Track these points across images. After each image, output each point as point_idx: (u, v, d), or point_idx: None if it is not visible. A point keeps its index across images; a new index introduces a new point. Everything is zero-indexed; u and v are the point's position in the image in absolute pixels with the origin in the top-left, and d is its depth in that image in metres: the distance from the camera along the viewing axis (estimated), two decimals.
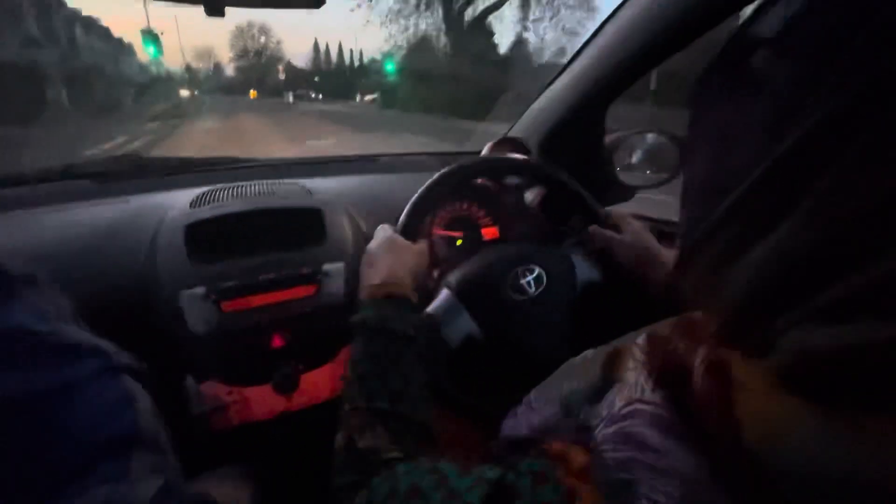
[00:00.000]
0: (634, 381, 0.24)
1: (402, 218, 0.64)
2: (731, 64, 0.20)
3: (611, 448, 0.22)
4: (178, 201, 0.77)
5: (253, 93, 45.95)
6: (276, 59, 66.73)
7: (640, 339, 0.26)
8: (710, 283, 0.20)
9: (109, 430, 0.28)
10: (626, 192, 1.03)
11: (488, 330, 0.59)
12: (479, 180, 0.87)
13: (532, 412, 0.37)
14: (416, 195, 0.65)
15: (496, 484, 0.24)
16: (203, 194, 0.78)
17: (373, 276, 0.52)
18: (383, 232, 0.60)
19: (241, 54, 68.56)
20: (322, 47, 69.85)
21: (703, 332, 0.22)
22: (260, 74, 62.67)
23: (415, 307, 0.50)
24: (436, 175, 0.66)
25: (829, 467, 0.15)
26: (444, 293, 0.61)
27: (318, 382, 0.69)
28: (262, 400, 0.67)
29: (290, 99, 42.11)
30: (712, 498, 0.18)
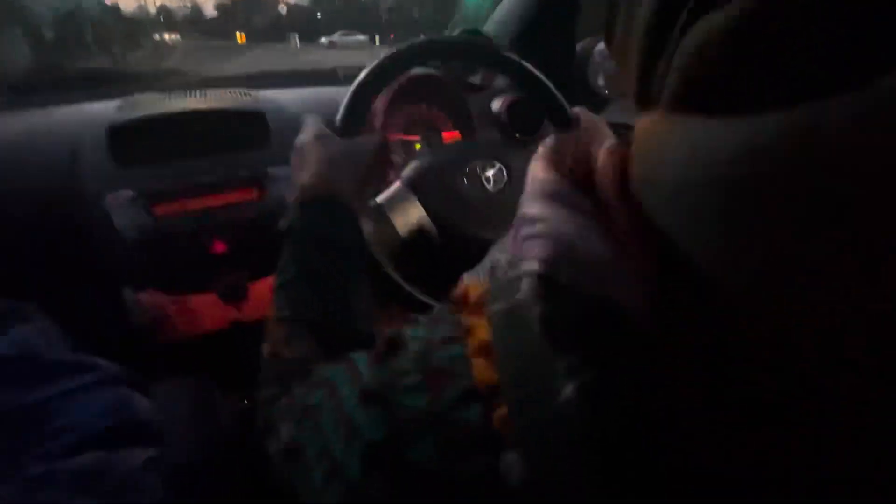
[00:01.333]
0: (537, 172, 0.20)
1: (340, 112, 0.53)
2: None
3: (510, 248, 0.19)
4: (100, 108, 0.70)
5: (241, 36, 34.45)
6: None
7: (548, 139, 0.22)
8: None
9: (104, 425, 0.34)
10: (600, 102, 0.98)
11: (440, 222, 0.55)
12: (440, 78, 0.80)
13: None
14: (353, 84, 0.54)
15: (383, 349, 0.21)
16: (130, 99, 0.71)
17: (301, 176, 0.46)
18: (312, 124, 0.50)
19: None
20: None
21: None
22: (245, 13, 50.74)
23: (349, 210, 0.44)
24: (374, 62, 0.56)
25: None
26: (396, 184, 0.56)
27: (269, 292, 0.66)
28: (209, 310, 0.63)
29: (297, 42, 26.28)
30: (589, 255, 0.15)
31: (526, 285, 0.16)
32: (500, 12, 0.92)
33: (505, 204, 0.58)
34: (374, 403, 0.20)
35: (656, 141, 0.14)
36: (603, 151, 0.18)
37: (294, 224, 0.42)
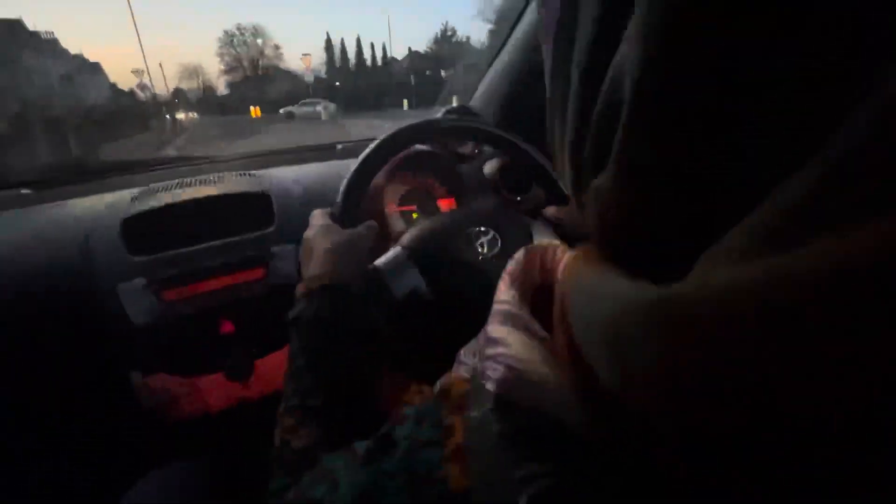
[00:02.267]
0: (501, 291, 0.23)
1: (338, 200, 0.59)
2: None
3: (479, 359, 0.21)
4: (115, 200, 0.75)
5: (255, 111, 34.26)
6: (274, 67, 52.81)
7: (518, 253, 0.25)
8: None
9: None
10: None
11: (436, 285, 0.57)
12: (433, 151, 0.85)
13: (459, 366, 0.36)
14: (349, 174, 0.60)
15: (375, 448, 0.22)
16: (144, 190, 0.75)
17: (308, 268, 0.49)
18: (318, 218, 0.56)
19: (234, 65, 53.27)
20: (336, 44, 55.18)
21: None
22: (258, 87, 49.19)
23: (354, 298, 0.47)
24: (368, 149, 0.62)
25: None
26: (394, 248, 0.59)
27: (275, 367, 0.67)
28: (217, 389, 0.64)
29: (322, 111, 24.36)
30: (535, 387, 0.17)
31: (487, 402, 0.18)
32: (483, 88, 1.00)
33: (498, 268, 0.60)
34: (365, 499, 0.21)
35: (574, 279, 0.17)
36: (560, 279, 0.20)
37: (301, 314, 0.44)
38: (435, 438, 0.20)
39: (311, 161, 1.03)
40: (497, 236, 0.63)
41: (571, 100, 0.17)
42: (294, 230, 0.71)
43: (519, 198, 0.88)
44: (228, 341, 0.65)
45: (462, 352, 0.38)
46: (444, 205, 0.86)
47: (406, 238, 0.60)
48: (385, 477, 0.21)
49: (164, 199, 0.71)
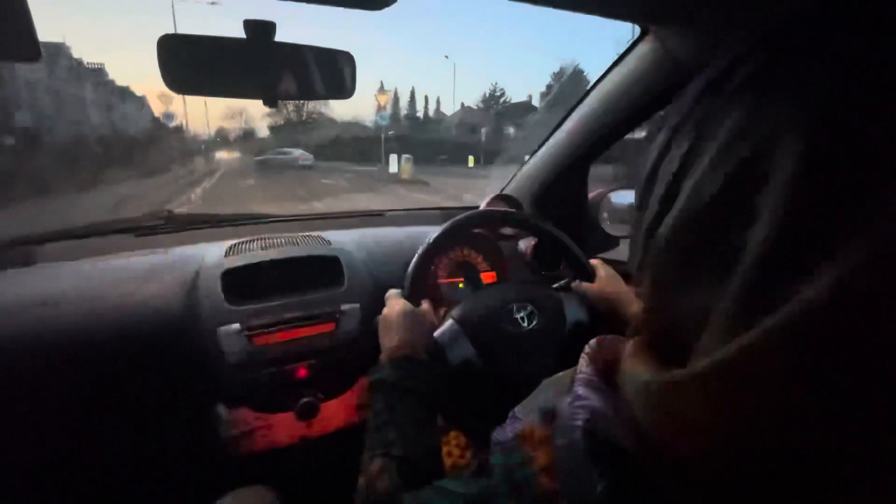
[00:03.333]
0: (582, 365, 0.34)
1: (406, 282, 0.73)
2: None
3: (567, 408, 0.31)
4: (210, 251, 0.89)
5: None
6: (319, 113, 48.72)
7: (593, 341, 0.36)
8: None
9: None
10: (612, 241, 1.15)
11: (485, 356, 0.67)
12: (477, 231, 0.99)
13: (516, 421, 0.45)
14: (413, 262, 0.74)
15: (476, 472, 0.33)
16: (235, 245, 0.90)
17: (389, 341, 0.61)
18: (394, 298, 0.69)
19: (276, 110, 51.51)
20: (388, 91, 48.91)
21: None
22: (299, 132, 45.25)
23: (423, 365, 0.58)
24: (427, 240, 0.76)
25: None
26: (449, 322, 0.70)
27: (336, 410, 0.77)
28: (285, 426, 0.74)
29: (299, 158, 22.82)
30: (607, 423, 0.28)
31: (577, 433, 0.29)
32: (521, 177, 1.15)
33: (536, 339, 0.71)
34: (476, 502, 0.31)
35: (628, 366, 0.28)
36: (625, 353, 0.31)
37: (385, 378, 0.54)
38: (525, 462, 0.31)
39: (363, 226, 1.18)
40: (534, 311, 0.73)
41: (641, 236, 0.28)
42: (358, 291, 0.84)
43: (546, 272, 1.00)
44: (301, 385, 0.75)
45: (516, 409, 0.49)
46: (486, 277, 0.98)
47: (457, 312, 0.72)
48: (491, 487, 0.31)
49: (254, 255, 0.85)
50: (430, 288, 0.93)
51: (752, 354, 0.18)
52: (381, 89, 47.81)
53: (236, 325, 0.73)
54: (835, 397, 0.17)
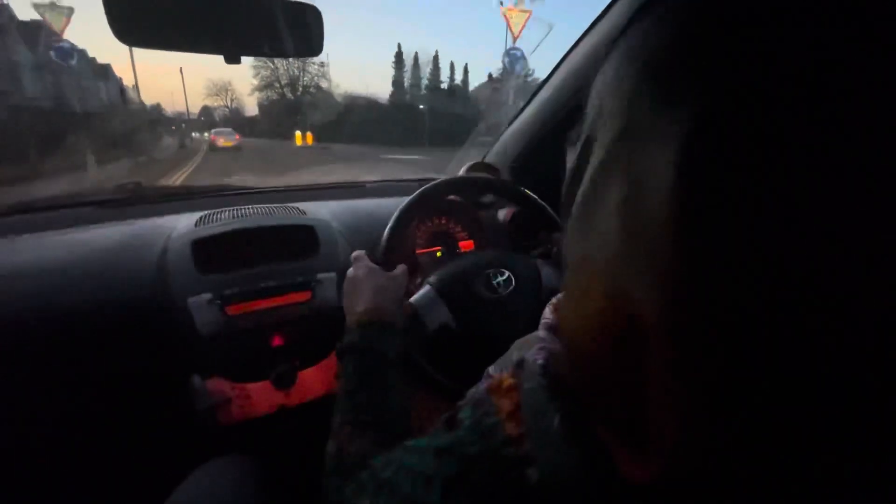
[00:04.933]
0: (546, 313, 0.34)
1: (381, 245, 0.71)
2: None
3: (530, 354, 0.32)
4: (182, 223, 0.86)
5: (308, 137, 23.82)
6: (316, 86, 40.06)
7: (559, 294, 0.36)
8: None
9: None
10: None
11: (461, 320, 0.67)
12: (455, 199, 0.98)
13: (489, 378, 0.46)
14: (388, 227, 0.72)
15: (446, 424, 0.33)
16: (206, 215, 0.87)
17: (356, 304, 0.59)
18: (360, 260, 0.65)
19: (270, 81, 40.08)
20: (408, 57, 38.71)
21: None
22: (291, 109, 37.60)
23: (396, 331, 0.57)
24: (401, 204, 0.74)
25: None
26: (426, 287, 0.70)
27: (314, 378, 0.77)
28: (263, 395, 0.74)
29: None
30: (558, 361, 0.29)
31: (538, 370, 0.29)
32: (500, 145, 1.14)
33: (513, 304, 0.72)
34: (448, 454, 0.32)
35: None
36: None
37: (353, 343, 0.54)
38: (491, 411, 0.31)
39: (344, 197, 1.16)
40: (511, 277, 0.74)
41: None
42: (334, 260, 0.83)
43: (527, 242, 1.00)
44: (277, 353, 0.75)
45: (490, 368, 0.49)
46: (464, 246, 0.98)
47: (434, 277, 0.72)
48: (460, 436, 0.31)
49: (226, 225, 0.82)
50: (408, 258, 0.92)
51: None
52: (399, 55, 37.60)
53: (207, 295, 0.72)
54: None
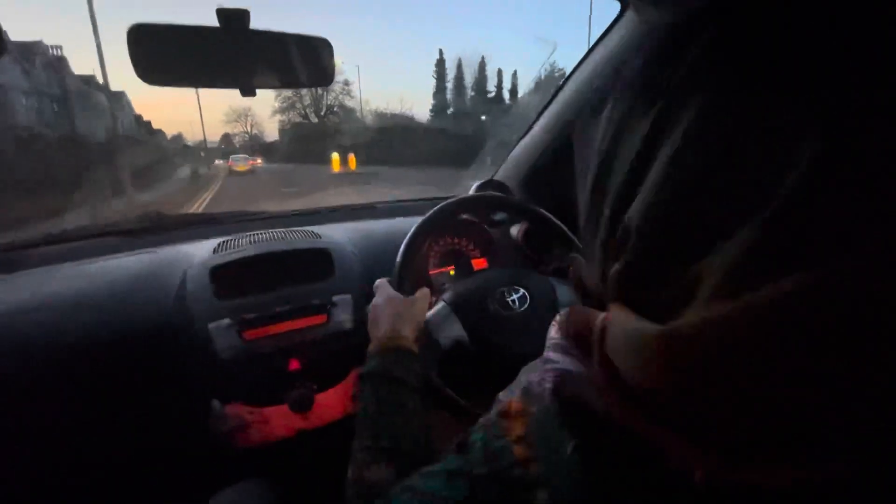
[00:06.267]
0: (552, 332, 0.34)
1: (394, 272, 0.71)
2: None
3: (537, 375, 0.32)
4: (200, 250, 0.88)
5: (350, 160, 19.46)
6: (340, 105, 36.18)
7: (563, 311, 0.36)
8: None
9: None
10: None
11: (475, 337, 0.67)
12: (467, 218, 0.99)
13: (499, 403, 0.46)
14: (401, 251, 0.72)
15: (458, 447, 0.33)
16: (224, 242, 0.89)
17: (378, 331, 0.60)
18: (383, 289, 0.67)
19: (292, 101, 35.95)
20: (450, 64, 33.93)
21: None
22: (312, 133, 33.25)
23: (415, 357, 0.58)
24: (413, 227, 0.75)
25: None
26: (440, 304, 0.70)
27: (332, 401, 0.77)
28: (281, 419, 0.74)
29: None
30: (576, 383, 0.28)
31: (547, 395, 0.29)
32: (509, 162, 1.14)
33: (527, 321, 0.71)
34: (458, 477, 0.31)
35: (613, 320, 0.27)
36: (597, 324, 0.31)
37: (373, 369, 0.54)
38: (501, 435, 0.31)
39: (356, 219, 1.18)
40: (526, 294, 0.73)
41: (602, 229, 0.28)
42: (349, 282, 0.84)
43: (541, 258, 0.99)
44: (294, 377, 0.75)
45: (500, 394, 0.49)
46: (477, 264, 0.98)
47: (449, 294, 0.72)
48: (471, 459, 0.31)
49: (243, 251, 0.84)
50: (422, 278, 0.93)
51: (731, 321, 0.18)
52: (440, 63, 32.55)
53: (227, 321, 0.73)
54: (802, 376, 0.17)
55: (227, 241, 0.90)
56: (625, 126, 0.26)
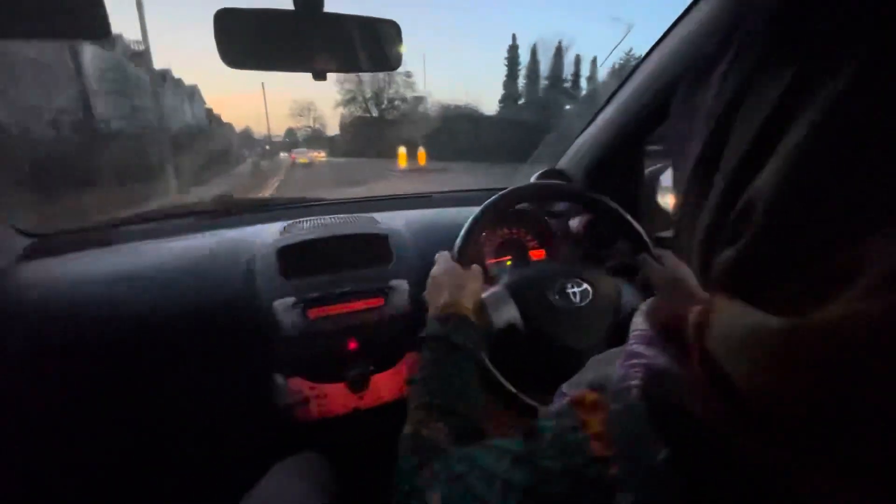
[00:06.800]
0: (638, 323, 0.31)
1: (457, 243, 0.72)
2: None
3: (620, 369, 0.29)
4: (268, 231, 0.93)
5: (419, 155, 17.06)
6: (401, 98, 34.64)
7: (648, 301, 0.33)
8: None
9: None
10: (666, 220, 1.08)
11: (530, 324, 0.65)
12: (526, 207, 0.96)
13: (563, 397, 0.43)
14: (467, 223, 0.74)
15: (526, 434, 0.32)
16: (290, 224, 0.93)
17: (437, 298, 0.62)
18: (443, 259, 0.70)
19: (354, 94, 34.57)
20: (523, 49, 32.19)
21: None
22: (373, 125, 32.46)
23: (472, 324, 0.59)
24: (484, 204, 0.75)
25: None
26: (497, 286, 0.69)
27: (386, 383, 0.79)
28: (338, 396, 0.77)
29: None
30: (669, 382, 0.25)
31: (633, 394, 0.27)
32: (573, 151, 1.10)
33: (587, 317, 0.68)
34: (525, 464, 0.30)
35: (725, 314, 0.23)
36: (692, 315, 0.26)
37: (432, 333, 0.56)
38: (576, 426, 0.29)
39: (413, 207, 1.19)
40: (589, 289, 0.70)
41: (711, 207, 0.24)
42: (406, 268, 0.85)
43: (602, 253, 0.95)
44: (352, 357, 0.77)
45: (563, 386, 0.47)
46: (535, 255, 0.95)
47: (509, 279, 0.71)
48: (541, 448, 0.30)
49: (307, 233, 0.87)
50: (479, 264, 0.92)
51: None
52: (513, 49, 29.55)
53: (291, 299, 0.76)
54: None
55: (293, 224, 0.94)
56: (749, 86, 0.22)
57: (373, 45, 0.62)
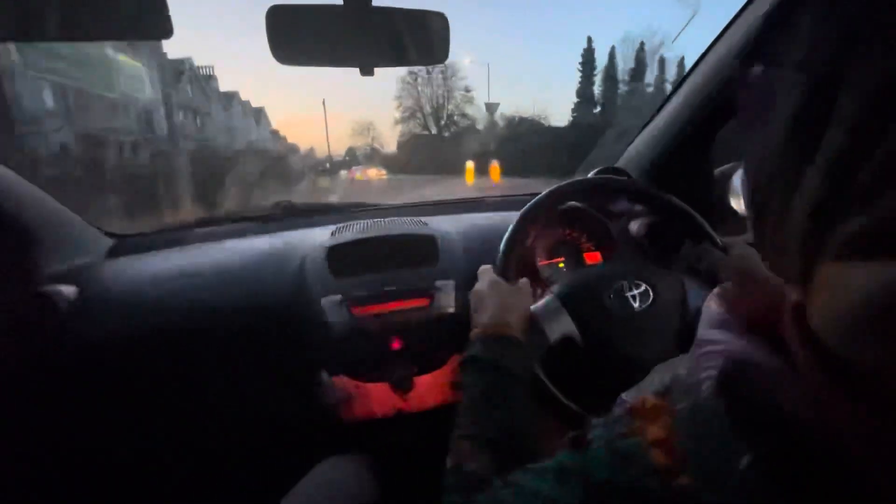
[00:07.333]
0: (712, 306, 0.26)
1: (498, 258, 0.69)
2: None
3: (690, 363, 0.25)
4: (319, 233, 0.96)
5: (492, 170, 12.47)
6: (461, 114, 31.68)
7: (724, 284, 0.28)
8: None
9: None
10: (741, 224, 0.98)
11: (588, 335, 0.60)
12: (581, 206, 0.91)
13: (624, 404, 0.39)
14: (506, 235, 0.70)
15: (573, 443, 0.28)
16: (341, 227, 0.95)
17: (481, 317, 0.59)
18: (486, 275, 0.66)
19: (413, 110, 32.21)
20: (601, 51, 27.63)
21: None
22: (432, 143, 30.07)
23: (522, 347, 0.55)
24: (523, 209, 0.72)
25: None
26: (549, 296, 0.64)
27: (431, 386, 0.76)
28: (382, 397, 0.75)
29: None
30: (754, 374, 0.20)
31: (706, 388, 0.22)
32: (632, 150, 1.03)
33: (649, 322, 0.62)
34: (570, 477, 0.26)
35: (838, 288, 0.18)
36: (790, 303, 0.21)
37: (477, 355, 0.52)
38: (630, 433, 0.25)
39: (464, 212, 1.17)
40: (649, 290, 0.64)
41: (822, 173, 0.18)
42: (453, 269, 0.83)
43: (667, 256, 0.87)
44: (397, 356, 0.76)
45: (624, 395, 0.42)
46: (590, 258, 0.90)
47: (558, 287, 0.66)
48: (589, 457, 0.26)
49: (358, 234, 0.88)
50: (529, 270, 0.88)
51: None
52: (588, 52, 25.36)
53: (339, 296, 0.76)
54: None
55: (344, 226, 0.96)
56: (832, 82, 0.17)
57: (421, 38, 0.61)
